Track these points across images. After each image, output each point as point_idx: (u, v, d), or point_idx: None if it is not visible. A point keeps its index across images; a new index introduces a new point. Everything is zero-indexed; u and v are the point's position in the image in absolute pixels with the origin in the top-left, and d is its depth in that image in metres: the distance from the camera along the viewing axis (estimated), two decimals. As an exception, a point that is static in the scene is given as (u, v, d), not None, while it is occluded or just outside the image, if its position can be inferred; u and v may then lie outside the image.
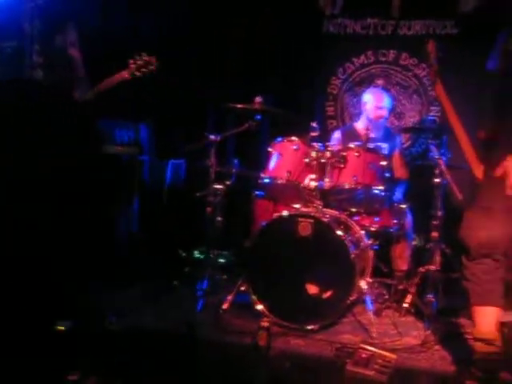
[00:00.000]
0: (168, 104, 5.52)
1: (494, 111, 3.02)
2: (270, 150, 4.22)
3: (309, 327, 3.71)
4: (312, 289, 3.79)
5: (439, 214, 4.03)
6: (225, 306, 3.97)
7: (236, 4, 5.73)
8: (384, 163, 4.08)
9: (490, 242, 2.91)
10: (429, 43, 3.84)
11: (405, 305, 4.15)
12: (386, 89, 5.53)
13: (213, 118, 5.56)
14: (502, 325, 3.33)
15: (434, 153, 4.01)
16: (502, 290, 2.98)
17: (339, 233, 3.74)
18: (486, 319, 2.96)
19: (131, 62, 4.08)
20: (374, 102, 4.82)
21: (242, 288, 3.97)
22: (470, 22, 5.34)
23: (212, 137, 4.33)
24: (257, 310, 3.83)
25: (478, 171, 2.99)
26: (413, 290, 4.19)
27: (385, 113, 4.82)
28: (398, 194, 4.73)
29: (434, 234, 4.05)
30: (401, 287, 4.28)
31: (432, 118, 4.20)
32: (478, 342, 2.96)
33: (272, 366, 3.25)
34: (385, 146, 4.79)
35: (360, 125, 4.86)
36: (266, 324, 3.29)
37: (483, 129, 3.06)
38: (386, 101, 4.86)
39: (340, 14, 5.88)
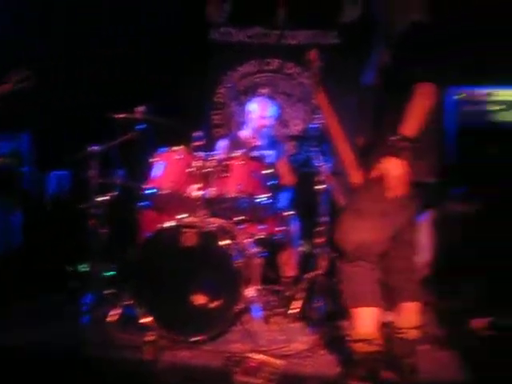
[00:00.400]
0: (51, 114, 5.35)
1: (372, 120, 3.08)
2: (153, 159, 4.15)
3: (196, 338, 3.65)
4: (199, 299, 3.74)
5: (324, 219, 4.10)
6: (111, 320, 3.86)
7: (119, 10, 5.62)
8: (268, 171, 4.10)
9: (364, 245, 2.93)
10: (311, 52, 3.86)
11: (293, 311, 4.18)
12: (271, 97, 5.58)
13: (96, 128, 5.40)
14: (384, 325, 3.42)
15: (317, 160, 4.08)
16: (379, 291, 3.02)
17: (224, 242, 3.71)
18: (364, 320, 2.99)
19: (12, 75, 3.95)
20: (258, 112, 4.86)
21: (128, 301, 3.87)
22: (352, 32, 5.50)
23: (94, 147, 4.21)
24: (143, 323, 3.75)
25: (355, 177, 3.04)
26: (300, 295, 4.23)
27: (269, 122, 4.87)
28: (284, 201, 4.77)
29: (319, 240, 4.11)
30: (289, 293, 4.32)
31: (315, 125, 4.26)
32: (359, 343, 3.00)
33: (160, 380, 3.18)
34: (270, 153, 4.82)
35: (245, 133, 4.88)
36: (152, 338, 3.22)
37: (362, 136, 3.12)
38: (270, 110, 4.91)
39: (226, 23, 5.90)
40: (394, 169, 2.85)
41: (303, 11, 5.64)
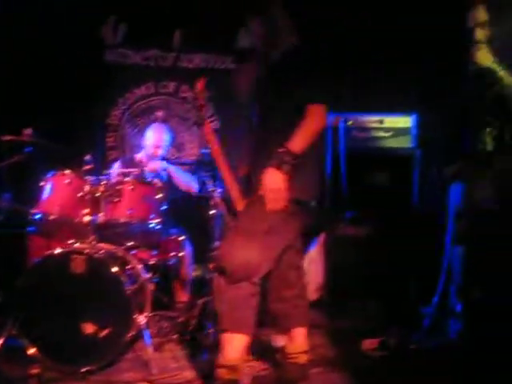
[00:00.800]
0: None
1: (252, 149, 3.12)
2: (42, 184, 4.03)
3: (86, 369, 3.54)
4: (88, 328, 3.63)
5: (216, 244, 4.10)
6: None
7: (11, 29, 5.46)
8: (160, 196, 4.07)
9: (249, 265, 2.91)
10: (199, 82, 3.72)
11: (186, 337, 4.13)
12: (165, 120, 5.57)
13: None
14: (276, 350, 3.45)
15: (209, 185, 4.09)
16: (255, 319, 3.00)
17: (114, 269, 3.64)
18: (235, 346, 2.97)
19: None
20: (153, 141, 4.86)
21: (13, 331, 3.71)
22: (247, 58, 5.57)
23: (-22, 171, 4.05)
24: (29, 354, 3.60)
25: (240, 205, 3.05)
26: (193, 321, 4.19)
27: (162, 151, 4.89)
28: (175, 224, 4.74)
29: (211, 265, 4.10)
30: (182, 319, 4.27)
31: (206, 151, 4.27)
32: (222, 369, 2.98)
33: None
34: (163, 176, 4.81)
35: (139, 157, 4.84)
36: (36, 371, 3.09)
37: (244, 165, 3.16)
38: (165, 139, 4.94)
39: (121, 44, 5.84)
40: (273, 181, 2.88)
41: (200, 35, 5.65)
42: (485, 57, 3.04)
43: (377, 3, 5.25)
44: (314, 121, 2.92)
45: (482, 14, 3.12)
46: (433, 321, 4.08)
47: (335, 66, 5.23)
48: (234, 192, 3.08)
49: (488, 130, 3.13)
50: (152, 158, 4.83)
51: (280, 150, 2.86)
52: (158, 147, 4.86)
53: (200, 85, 3.36)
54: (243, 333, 2.96)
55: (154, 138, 4.89)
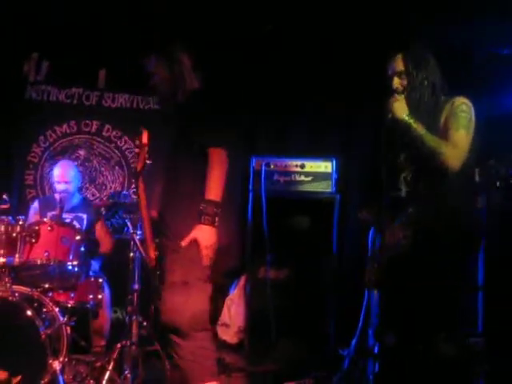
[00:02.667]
0: None
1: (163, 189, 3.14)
2: (-45, 223, 3.89)
3: (-5, 418, 3.42)
4: (0, 374, 3.51)
5: (135, 287, 4.06)
6: None
7: None
8: (78, 237, 4.00)
9: (197, 316, 2.94)
10: (143, 134, 3.32)
11: (103, 382, 4.03)
12: (87, 159, 5.51)
13: None
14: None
15: (130, 227, 4.06)
16: (215, 362, 3.03)
17: (29, 312, 3.54)
18: None
19: None
20: (57, 177, 4.84)
21: None
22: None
23: None
24: None
25: (151, 251, 3.03)
26: (111, 365, 4.09)
27: (69, 187, 4.83)
28: (95, 266, 4.67)
29: (130, 308, 4.05)
30: (99, 364, 4.16)
31: (127, 193, 4.26)
32: None
33: None
34: (84, 216, 4.75)
35: (57, 196, 4.76)
36: None
37: (155, 205, 3.16)
38: (70, 175, 4.89)
39: (44, 81, 5.75)
40: (208, 238, 2.92)
41: (124, 75, 5.64)
42: (401, 108, 3.14)
43: (298, 48, 5.38)
44: (217, 165, 2.97)
45: (399, 64, 3.24)
46: (352, 362, 4.13)
47: (256, 110, 5.36)
48: (149, 238, 3.05)
49: (402, 175, 3.24)
50: (59, 195, 4.74)
51: (204, 205, 2.90)
52: (63, 183, 4.82)
53: (145, 137, 3.28)
54: (211, 381, 2.98)
55: (59, 175, 4.86)
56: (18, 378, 3.49)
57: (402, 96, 3.18)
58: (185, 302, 2.92)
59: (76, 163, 5.38)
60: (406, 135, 3.14)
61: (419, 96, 3.18)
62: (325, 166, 4.76)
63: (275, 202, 4.63)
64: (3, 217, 3.83)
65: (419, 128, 3.08)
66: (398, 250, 3.15)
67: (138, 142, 3.15)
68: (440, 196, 3.11)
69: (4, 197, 3.89)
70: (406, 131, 3.13)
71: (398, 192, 3.23)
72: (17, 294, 3.67)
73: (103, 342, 4.42)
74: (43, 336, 3.52)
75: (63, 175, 4.86)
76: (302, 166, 4.76)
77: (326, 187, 4.74)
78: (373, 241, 3.40)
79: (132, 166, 5.57)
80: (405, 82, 3.22)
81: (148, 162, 3.07)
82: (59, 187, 4.81)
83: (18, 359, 3.53)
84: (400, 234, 3.15)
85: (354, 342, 4.16)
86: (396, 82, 3.24)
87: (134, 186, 5.63)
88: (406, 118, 3.11)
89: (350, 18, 5.05)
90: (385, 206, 3.27)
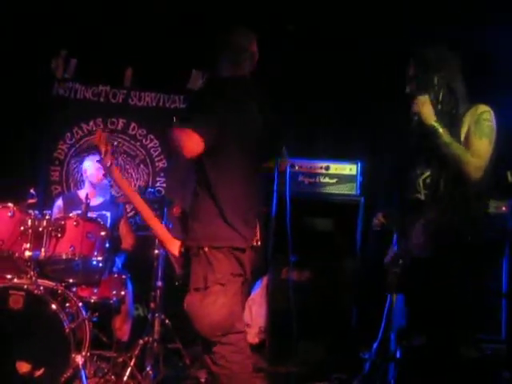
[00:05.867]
0: None
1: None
2: (-18, 216, 3.94)
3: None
4: (23, 367, 3.54)
5: (159, 284, 4.07)
6: None
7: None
8: (103, 233, 4.03)
9: (222, 322, 2.87)
10: (97, 134, 3.38)
11: (124, 378, 4.05)
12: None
13: None
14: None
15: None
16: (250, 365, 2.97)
17: (53, 306, 3.58)
18: None
19: None
20: (93, 165, 4.83)
21: None
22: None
23: None
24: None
25: (173, 248, 3.02)
26: (132, 362, 4.12)
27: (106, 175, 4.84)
28: (118, 263, 4.70)
29: (153, 305, 4.07)
30: (120, 360, 4.19)
31: (153, 189, 4.27)
32: None
33: None
34: (108, 214, 4.77)
35: (83, 193, 4.78)
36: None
37: (177, 205, 3.15)
38: None
39: (71, 79, 5.80)
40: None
41: (151, 73, 5.68)
42: (429, 113, 3.11)
43: (325, 48, 5.38)
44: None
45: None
46: (373, 366, 4.11)
47: (282, 111, 5.35)
48: (162, 235, 3.03)
49: (422, 178, 3.21)
50: (98, 184, 4.85)
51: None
52: (101, 169, 4.80)
53: (100, 136, 3.27)
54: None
55: (95, 163, 4.85)
56: (41, 370, 3.53)
57: (428, 99, 3.14)
58: (204, 307, 2.86)
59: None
60: (431, 139, 3.11)
61: (434, 97, 3.15)
62: (350, 169, 4.76)
63: (299, 204, 4.62)
64: (30, 211, 3.87)
65: (446, 135, 3.05)
66: (419, 255, 3.13)
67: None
68: (461, 200, 3.08)
69: (31, 191, 3.94)
70: (431, 136, 3.10)
71: (418, 195, 3.20)
72: (42, 288, 3.71)
73: (125, 339, 4.44)
74: (67, 330, 3.56)
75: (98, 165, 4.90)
76: (327, 168, 4.76)
77: (350, 190, 4.74)
78: (394, 245, 3.38)
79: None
80: (414, 87, 3.19)
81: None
82: (96, 176, 4.83)
83: (42, 352, 3.57)
84: (421, 239, 3.12)
85: (375, 345, 4.14)
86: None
87: (158, 182, 5.70)
88: (435, 125, 3.08)
89: (376, 20, 5.04)
90: (405, 210, 3.24)
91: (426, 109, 3.10)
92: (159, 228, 3.08)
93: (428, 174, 3.18)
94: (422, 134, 3.15)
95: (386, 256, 3.53)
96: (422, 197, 3.19)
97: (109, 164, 3.15)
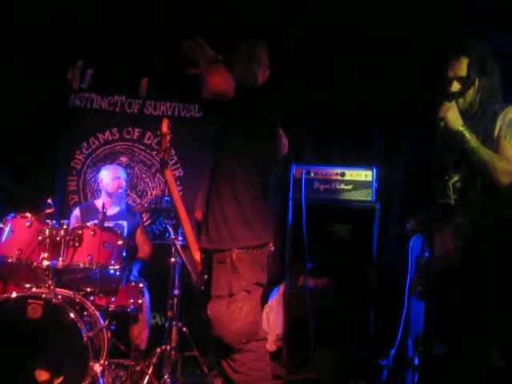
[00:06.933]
0: None
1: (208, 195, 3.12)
2: (0, 225, 3.96)
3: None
4: (42, 375, 3.57)
5: (176, 292, 4.09)
6: None
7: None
8: (120, 242, 4.05)
9: (247, 329, 2.88)
10: (163, 122, 3.56)
11: (142, 386, 4.08)
12: (129, 166, 5.59)
13: None
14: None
15: (171, 232, 4.10)
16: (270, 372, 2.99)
17: (71, 315, 3.59)
18: None
19: None
20: (109, 175, 4.91)
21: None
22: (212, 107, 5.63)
23: None
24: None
25: (196, 254, 3.04)
26: (150, 370, 4.14)
27: (122, 183, 4.92)
28: (135, 271, 4.72)
29: (170, 313, 4.08)
30: (138, 368, 4.20)
31: (169, 198, 4.28)
32: None
33: None
34: (124, 223, 4.79)
35: (100, 202, 4.82)
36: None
37: (199, 209, 3.16)
38: (121, 172, 5.01)
39: (87, 89, 5.83)
40: None
41: (166, 83, 5.71)
42: (455, 118, 3.07)
43: (339, 57, 5.38)
44: None
45: (462, 68, 3.16)
46: (390, 373, 4.09)
47: (297, 117, 5.36)
48: (191, 239, 3.06)
49: (451, 182, 3.18)
50: (114, 193, 4.89)
51: None
52: (116, 178, 4.92)
53: (164, 126, 3.33)
54: None
55: (111, 172, 4.96)
56: (60, 379, 3.55)
57: (455, 104, 3.12)
58: (230, 314, 2.87)
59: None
60: (458, 144, 3.09)
61: (478, 102, 3.13)
62: (365, 175, 4.75)
63: (315, 210, 4.63)
64: (48, 221, 3.90)
65: (473, 140, 3.02)
66: (448, 261, 3.10)
67: (158, 132, 3.19)
68: (491, 204, 3.06)
69: (49, 201, 3.97)
70: (457, 141, 3.08)
71: (447, 199, 3.17)
72: (60, 297, 3.73)
73: (142, 347, 4.46)
74: (85, 339, 3.57)
75: (115, 171, 4.99)
76: (343, 175, 4.75)
77: (366, 196, 4.73)
78: (421, 251, 3.34)
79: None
80: (463, 87, 3.15)
81: (170, 150, 3.12)
82: (112, 184, 4.90)
83: (60, 361, 3.59)
84: (450, 245, 3.10)
85: (393, 352, 4.12)
86: (455, 87, 3.17)
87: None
88: (461, 129, 3.05)
89: (391, 22, 5.03)
90: (433, 215, 3.21)
91: (452, 114, 3.08)
92: (190, 233, 3.09)
93: (457, 178, 3.15)
94: (448, 136, 3.13)
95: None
96: (452, 201, 3.17)
97: (165, 157, 3.18)
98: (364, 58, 5.29)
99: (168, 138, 3.33)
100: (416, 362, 3.58)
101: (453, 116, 3.07)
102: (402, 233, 3.72)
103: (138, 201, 5.71)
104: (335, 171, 4.77)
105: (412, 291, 3.51)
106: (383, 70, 5.29)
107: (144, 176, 5.75)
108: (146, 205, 5.66)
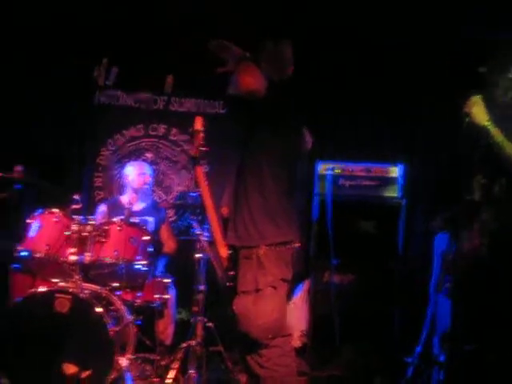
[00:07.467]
0: None
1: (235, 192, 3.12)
2: (29, 221, 4.01)
3: (65, 410, 3.50)
4: (70, 368, 3.59)
5: (201, 288, 4.11)
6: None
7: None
8: (146, 238, 4.08)
9: (273, 324, 2.90)
10: (196, 119, 3.67)
11: (168, 381, 4.08)
12: (154, 162, 5.62)
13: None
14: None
15: (196, 228, 4.11)
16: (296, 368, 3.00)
17: (98, 309, 3.62)
18: None
19: None
20: (135, 171, 4.93)
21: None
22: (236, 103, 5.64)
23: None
24: (8, 393, 3.55)
25: (223, 250, 3.05)
26: (176, 365, 4.16)
27: (148, 179, 4.94)
28: (160, 267, 4.74)
29: (195, 309, 4.10)
30: (164, 362, 4.23)
31: (195, 194, 4.30)
32: None
33: None
34: (150, 219, 4.82)
35: (125, 198, 4.85)
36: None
37: (225, 205, 3.17)
38: (146, 168, 5.02)
39: (113, 86, 5.87)
40: None
41: (191, 80, 5.73)
42: (481, 113, 3.05)
43: (366, 53, 5.36)
44: None
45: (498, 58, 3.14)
46: (416, 370, 4.07)
47: (323, 113, 5.35)
48: (218, 236, 3.07)
49: (476, 179, 3.15)
50: (139, 189, 4.91)
51: None
52: (142, 174, 4.94)
53: (198, 124, 3.35)
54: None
55: (136, 168, 4.98)
56: (87, 372, 3.58)
57: (480, 100, 3.09)
58: (257, 309, 2.88)
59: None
60: (483, 139, 3.06)
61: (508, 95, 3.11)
62: (391, 171, 4.73)
63: (340, 207, 4.62)
64: (75, 216, 3.94)
65: (498, 135, 3.00)
66: (474, 258, 3.08)
67: (191, 129, 3.20)
68: None
69: (76, 197, 4.00)
70: (483, 136, 3.05)
71: (472, 196, 3.15)
72: (86, 292, 3.77)
73: (168, 342, 4.49)
74: (111, 333, 3.60)
75: (140, 167, 5.00)
76: (368, 171, 4.73)
77: (392, 192, 4.71)
78: (448, 247, 3.32)
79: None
80: (495, 79, 3.13)
81: (203, 148, 3.12)
82: (137, 181, 4.91)
83: (87, 354, 3.62)
84: (477, 241, 3.08)
85: (418, 349, 4.10)
86: (489, 77, 3.15)
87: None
88: (486, 124, 3.03)
89: (412, 18, 5.02)
90: (460, 212, 3.19)
91: (477, 109, 3.06)
92: (216, 229, 3.11)
93: (482, 174, 3.14)
94: (473, 133, 3.10)
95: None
96: (477, 198, 3.14)
97: (197, 155, 3.20)
98: (391, 54, 5.28)
99: (201, 135, 3.33)
100: (442, 359, 3.56)
101: (478, 112, 3.06)
102: (428, 229, 3.71)
103: (164, 197, 5.75)
104: (360, 167, 4.76)
105: (439, 288, 3.49)
106: (406, 66, 5.27)
107: (169, 172, 5.79)
108: (171, 201, 5.69)
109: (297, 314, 4.77)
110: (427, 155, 5.36)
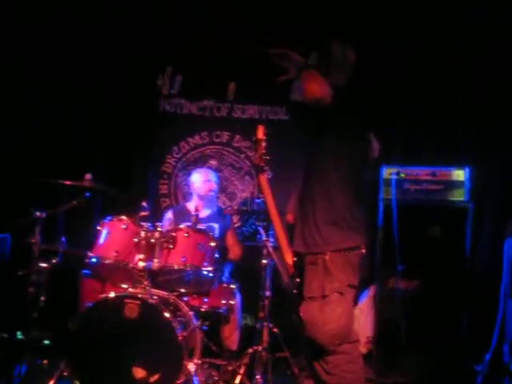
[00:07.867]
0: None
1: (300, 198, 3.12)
2: (98, 228, 4.12)
3: (135, 413, 3.57)
4: (139, 372, 3.66)
5: (267, 294, 4.12)
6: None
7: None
8: (213, 244, 4.11)
9: (340, 330, 2.89)
10: (259, 128, 3.54)
11: (234, 386, 4.14)
12: (218, 169, 5.68)
13: (42, 193, 5.35)
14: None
15: (262, 234, 4.13)
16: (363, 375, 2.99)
17: (167, 314, 3.68)
18: None
19: None
20: (201, 178, 5.00)
21: (65, 373, 3.76)
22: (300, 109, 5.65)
23: (37, 213, 4.15)
24: (80, 396, 3.64)
25: (288, 257, 3.05)
26: (242, 370, 4.19)
27: (213, 186, 4.99)
28: (226, 273, 4.78)
29: (262, 314, 4.12)
30: (230, 368, 4.26)
31: (260, 200, 4.32)
32: None
33: None
34: (216, 226, 4.87)
35: (191, 205, 4.91)
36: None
37: (291, 212, 3.18)
38: (212, 175, 5.09)
39: (177, 94, 5.98)
40: None
41: (253, 86, 5.77)
42: None
43: (426, 57, 5.31)
44: None
45: None
46: (485, 379, 3.99)
47: (388, 118, 5.31)
48: (283, 243, 3.08)
49: None
50: (205, 196, 4.98)
51: None
52: (207, 181, 5.01)
53: (260, 132, 3.37)
54: None
55: (202, 175, 5.05)
56: (156, 376, 3.64)
57: None
58: (324, 315, 2.88)
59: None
60: None
61: None
62: (457, 175, 4.65)
63: (406, 211, 4.57)
64: (143, 223, 4.02)
65: None
66: None
67: (253, 138, 3.22)
68: None
69: (143, 204, 4.07)
70: None
71: None
72: (155, 297, 3.83)
73: (233, 348, 4.51)
74: (180, 338, 3.64)
75: (206, 174, 5.08)
76: (434, 175, 4.67)
77: (458, 196, 4.63)
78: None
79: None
80: None
81: (266, 157, 3.14)
82: (203, 187, 4.99)
83: (156, 359, 3.68)
84: None
85: (488, 357, 4.02)
86: None
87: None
88: None
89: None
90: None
91: None
92: (282, 236, 3.11)
93: None
94: None
95: None
96: None
97: (260, 163, 3.24)
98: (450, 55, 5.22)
99: (263, 144, 3.35)
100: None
101: None
102: (496, 234, 3.63)
103: (228, 203, 5.80)
104: (426, 171, 4.71)
105: (509, 294, 3.41)
106: (470, 69, 5.20)
107: (233, 179, 5.84)
108: (235, 207, 5.74)
109: (363, 319, 4.73)
110: (494, 158, 5.24)
